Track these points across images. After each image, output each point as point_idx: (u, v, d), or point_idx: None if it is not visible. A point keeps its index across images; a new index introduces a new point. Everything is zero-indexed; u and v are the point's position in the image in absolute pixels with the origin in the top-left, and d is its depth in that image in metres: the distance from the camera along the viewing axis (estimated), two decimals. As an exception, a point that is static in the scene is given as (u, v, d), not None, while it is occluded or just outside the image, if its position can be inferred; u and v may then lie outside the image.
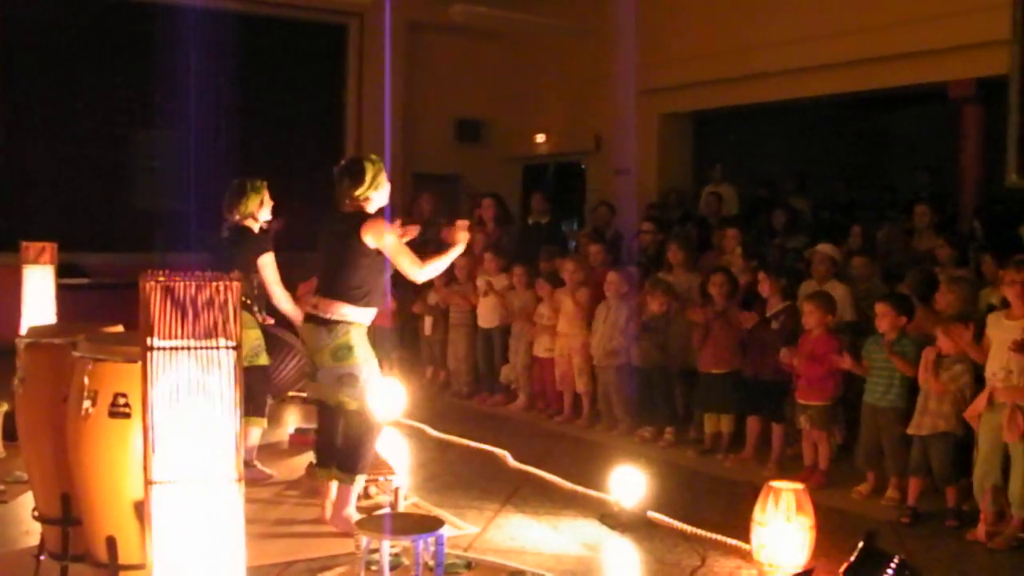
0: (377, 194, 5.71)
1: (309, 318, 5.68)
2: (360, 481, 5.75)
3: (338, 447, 5.77)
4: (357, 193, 5.64)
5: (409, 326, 10.84)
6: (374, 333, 9.88)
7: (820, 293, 7.31)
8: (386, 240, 5.59)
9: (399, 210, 12.00)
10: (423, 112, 14.38)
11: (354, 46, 14.06)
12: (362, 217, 5.63)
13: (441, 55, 14.63)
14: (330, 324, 5.55)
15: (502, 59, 14.99)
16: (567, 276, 8.97)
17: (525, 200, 13.73)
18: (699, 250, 9.72)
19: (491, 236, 10.85)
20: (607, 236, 10.61)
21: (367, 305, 5.63)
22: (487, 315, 9.84)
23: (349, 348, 5.56)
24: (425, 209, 12.14)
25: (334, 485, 5.82)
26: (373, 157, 5.77)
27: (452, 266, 10.16)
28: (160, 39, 11.29)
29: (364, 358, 5.61)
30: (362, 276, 5.58)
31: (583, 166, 14.65)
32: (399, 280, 10.53)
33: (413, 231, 6.21)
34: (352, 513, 5.66)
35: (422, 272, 5.77)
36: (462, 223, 5.95)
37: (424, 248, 11.62)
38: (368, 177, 5.64)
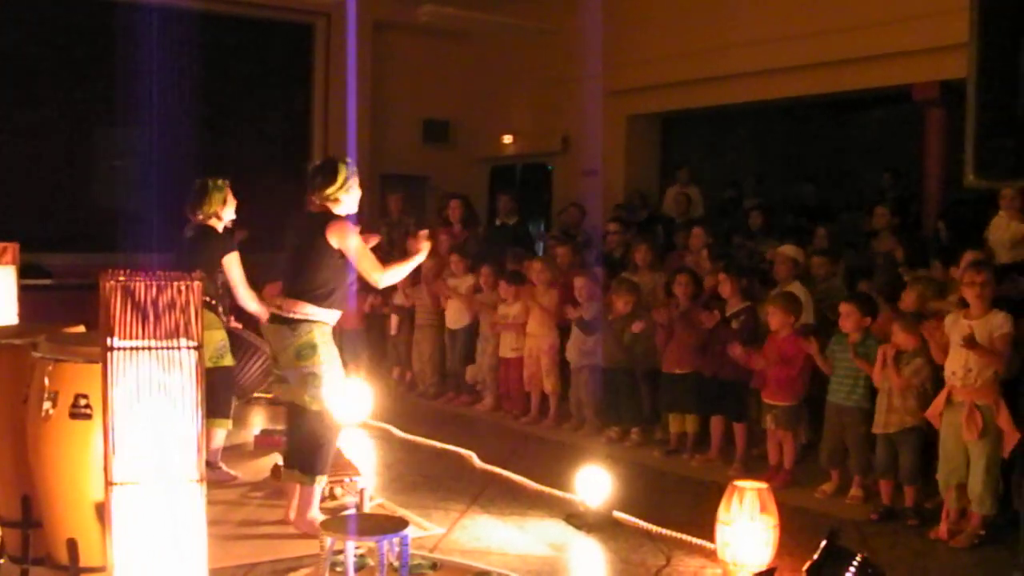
0: (347, 197, 5.68)
1: (273, 318, 5.65)
2: (322, 482, 5.73)
3: (298, 448, 5.75)
4: (327, 192, 5.63)
5: (376, 326, 10.82)
6: (342, 334, 9.87)
7: (783, 294, 7.35)
8: (349, 242, 5.57)
9: (366, 211, 12.01)
10: (390, 112, 14.32)
11: (321, 46, 13.98)
12: (328, 218, 5.61)
13: (408, 55, 14.58)
14: (293, 323, 5.53)
15: (470, 60, 14.97)
16: (535, 277, 8.97)
17: (492, 201, 13.73)
18: (665, 251, 9.77)
19: (457, 237, 10.84)
20: (577, 237, 10.63)
21: (331, 306, 5.62)
22: (453, 316, 9.83)
23: (312, 347, 5.53)
24: (393, 210, 12.12)
25: (299, 487, 5.80)
26: (347, 161, 5.75)
27: (419, 267, 10.19)
28: (123, 37, 11.18)
29: (327, 358, 5.59)
30: (326, 276, 5.56)
31: (550, 167, 14.65)
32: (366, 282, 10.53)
33: (374, 239, 6.16)
34: (316, 514, 5.64)
35: (383, 277, 5.73)
36: (423, 233, 5.93)
37: (392, 250, 11.69)
38: (340, 178, 5.63)
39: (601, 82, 12.52)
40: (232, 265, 6.60)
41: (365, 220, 11.60)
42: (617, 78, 12.68)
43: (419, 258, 5.88)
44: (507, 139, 14.78)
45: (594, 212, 11.46)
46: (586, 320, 8.37)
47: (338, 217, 5.63)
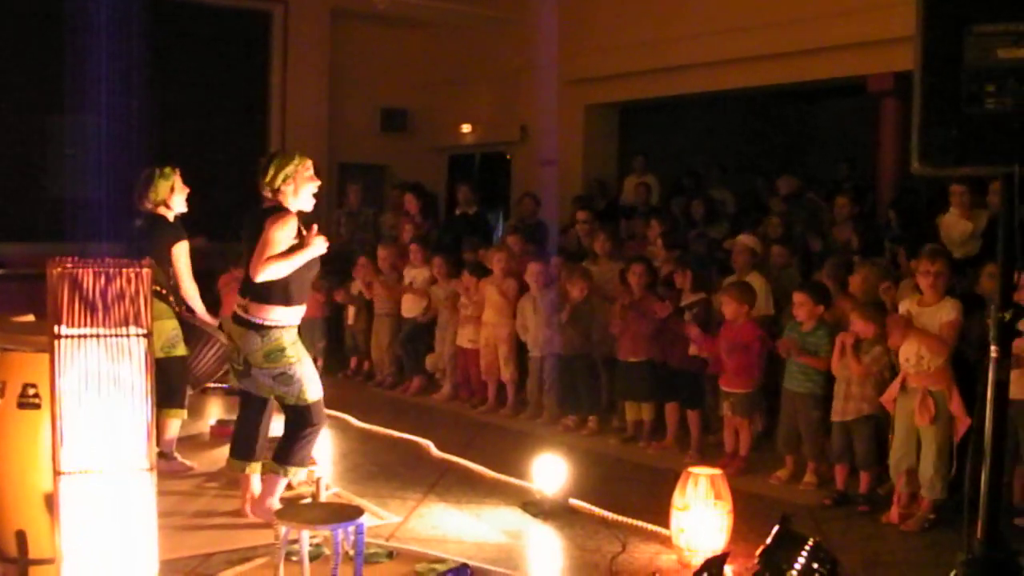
0: (289, 189, 5.52)
1: (240, 320, 5.54)
2: (296, 475, 5.72)
3: (266, 436, 5.75)
4: (263, 183, 5.51)
5: (334, 316, 10.78)
6: (301, 323, 9.82)
7: (736, 284, 7.41)
8: (269, 231, 5.37)
9: (324, 200, 11.95)
10: (348, 101, 14.24)
11: (278, 33, 13.86)
12: (270, 212, 5.48)
13: (366, 44, 14.50)
14: (262, 330, 5.45)
15: (427, 49, 14.92)
16: (495, 266, 8.97)
17: (451, 190, 13.70)
18: (625, 240, 9.80)
19: (419, 228, 10.83)
20: (531, 227, 10.63)
21: (297, 304, 5.55)
22: (411, 305, 9.81)
23: (281, 350, 5.48)
24: (351, 200, 12.07)
25: (254, 477, 5.77)
26: (296, 154, 5.63)
27: (376, 258, 10.18)
28: (75, 23, 11.03)
29: (297, 356, 5.54)
30: (288, 276, 5.44)
31: (509, 157, 14.65)
32: (329, 269, 10.51)
33: (310, 239, 5.84)
34: (275, 504, 5.62)
35: (263, 271, 5.35)
36: (317, 234, 5.61)
37: (350, 240, 11.64)
38: (271, 171, 5.49)
39: (559, 71, 12.51)
40: (180, 256, 6.54)
41: (323, 210, 11.61)
42: (575, 67, 12.69)
43: (309, 253, 5.52)
44: (465, 128, 14.75)
45: (552, 202, 11.47)
46: (548, 312, 8.36)
47: (278, 212, 5.48)
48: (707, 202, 10.40)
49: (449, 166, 15.44)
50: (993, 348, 3.20)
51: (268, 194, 5.55)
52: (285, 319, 5.50)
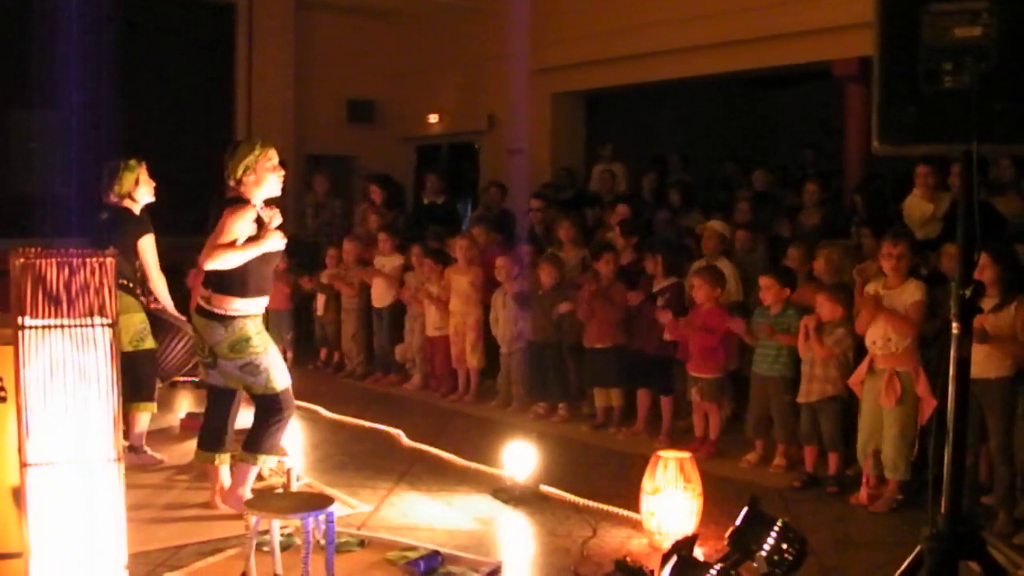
0: (251, 180, 5.48)
1: (203, 312, 5.52)
2: (267, 462, 5.71)
3: (234, 428, 5.74)
4: (227, 173, 5.48)
5: (303, 306, 10.76)
6: (268, 315, 9.77)
7: (708, 267, 7.45)
8: (224, 220, 5.35)
9: (291, 192, 11.90)
10: (315, 93, 14.17)
11: (243, 24, 13.78)
12: (229, 203, 5.46)
13: (332, 35, 14.43)
14: (225, 320, 5.43)
15: (394, 39, 14.87)
16: (460, 255, 8.97)
17: (419, 180, 13.68)
18: (593, 229, 9.81)
19: (385, 217, 10.81)
20: (496, 216, 10.64)
21: (258, 295, 5.52)
22: (379, 295, 9.80)
23: (246, 340, 5.46)
24: (319, 191, 12.04)
25: (223, 468, 5.75)
26: (258, 143, 5.58)
27: (341, 249, 10.15)
28: (40, 15, 10.92)
29: (262, 346, 5.53)
30: (244, 267, 5.41)
31: (477, 146, 14.64)
32: (297, 261, 10.47)
33: (265, 234, 5.76)
34: (246, 493, 5.61)
35: (212, 260, 5.32)
36: (275, 229, 5.59)
37: (317, 231, 11.60)
38: (236, 159, 5.46)
39: (526, 60, 12.48)
40: (146, 249, 6.50)
41: (290, 201, 11.55)
42: (542, 56, 12.66)
43: (265, 246, 5.46)
44: (433, 118, 14.72)
45: (521, 191, 11.46)
46: (522, 294, 8.38)
47: (236, 202, 5.45)
48: (684, 187, 10.41)
49: (417, 157, 15.42)
50: (955, 325, 3.23)
51: (232, 184, 5.53)
52: (247, 309, 5.47)
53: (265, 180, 5.52)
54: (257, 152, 5.51)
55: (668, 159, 12.29)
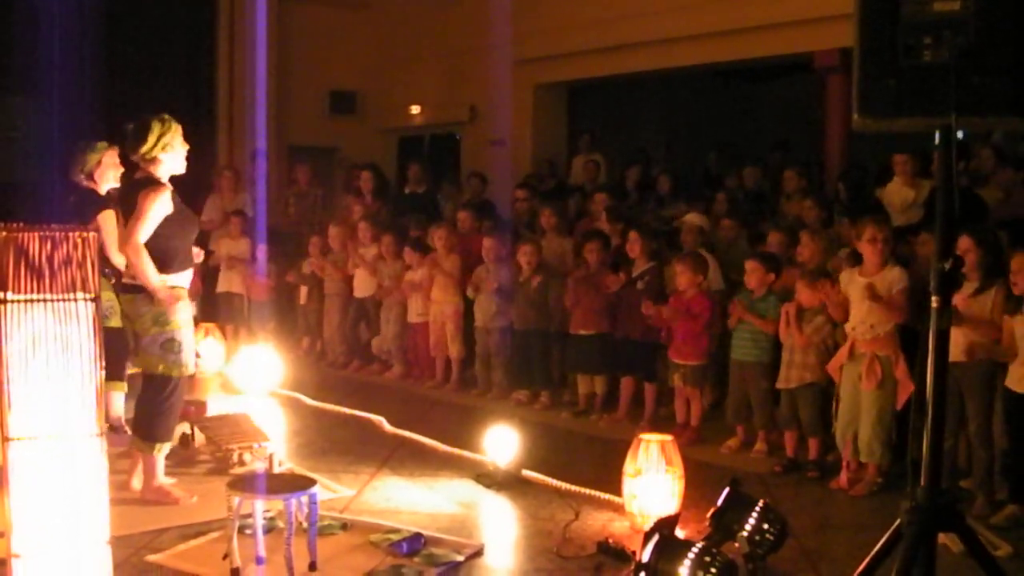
0: (166, 156, 5.46)
1: (126, 288, 5.50)
2: (164, 450, 5.62)
3: (140, 416, 5.63)
4: (142, 152, 5.42)
5: (285, 296, 10.74)
6: (250, 305, 9.75)
7: (691, 253, 7.47)
8: (143, 205, 5.31)
9: (274, 182, 11.88)
10: (297, 84, 14.13)
11: (225, 15, 13.73)
12: (144, 184, 5.41)
13: (314, 26, 14.37)
14: (147, 292, 5.39)
15: (376, 30, 14.84)
16: (437, 243, 8.98)
17: (401, 171, 13.67)
18: (576, 218, 9.83)
19: (369, 208, 10.81)
20: (477, 205, 10.64)
21: (180, 269, 5.50)
22: (362, 285, 9.81)
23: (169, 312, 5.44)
24: (301, 181, 12.01)
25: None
26: (166, 117, 5.52)
27: (327, 236, 10.17)
28: (19, 2, 10.86)
29: (183, 323, 5.50)
30: (163, 245, 5.38)
31: (458, 137, 14.64)
32: (279, 250, 10.45)
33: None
34: (163, 479, 5.60)
35: (126, 252, 5.37)
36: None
37: (299, 221, 11.57)
38: (152, 136, 5.40)
39: (508, 52, 12.48)
40: (104, 223, 6.38)
41: (272, 191, 11.53)
42: (524, 47, 12.66)
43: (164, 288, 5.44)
44: (415, 109, 14.71)
45: (503, 181, 11.46)
46: (504, 288, 8.39)
47: (152, 184, 5.40)
48: (669, 178, 10.43)
49: (399, 147, 15.40)
50: (934, 298, 3.26)
51: (141, 163, 5.47)
52: (172, 283, 5.44)
53: (174, 156, 5.49)
54: (174, 129, 5.48)
55: (651, 150, 12.30)
